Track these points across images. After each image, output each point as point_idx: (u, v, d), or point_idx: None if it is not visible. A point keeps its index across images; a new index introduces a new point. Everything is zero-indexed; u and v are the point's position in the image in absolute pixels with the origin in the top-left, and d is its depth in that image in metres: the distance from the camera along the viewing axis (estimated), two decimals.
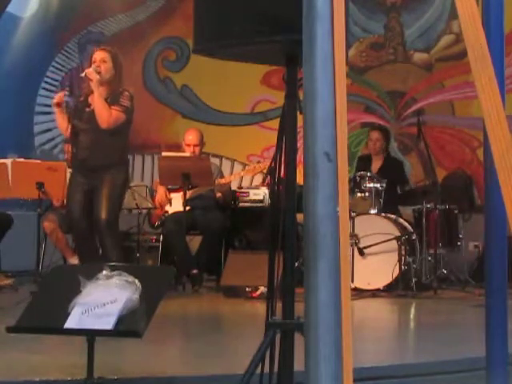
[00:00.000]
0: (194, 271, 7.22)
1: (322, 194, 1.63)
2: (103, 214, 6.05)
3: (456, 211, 7.50)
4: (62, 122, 6.24)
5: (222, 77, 8.94)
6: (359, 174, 7.37)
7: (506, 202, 1.66)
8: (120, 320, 2.74)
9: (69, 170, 7.24)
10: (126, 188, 6.56)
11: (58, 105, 6.22)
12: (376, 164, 8.01)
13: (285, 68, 2.62)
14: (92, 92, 6.20)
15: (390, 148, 8.30)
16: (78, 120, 6.21)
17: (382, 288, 6.96)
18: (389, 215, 7.26)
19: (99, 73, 6.12)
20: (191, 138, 7.61)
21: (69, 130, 6.18)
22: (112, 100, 6.15)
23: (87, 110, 6.24)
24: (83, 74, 6.21)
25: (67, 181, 7.01)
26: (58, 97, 6.27)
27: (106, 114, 6.09)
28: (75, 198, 6.23)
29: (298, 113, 2.57)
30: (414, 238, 7.18)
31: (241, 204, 7.77)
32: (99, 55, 6.23)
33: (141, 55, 9.81)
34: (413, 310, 6.35)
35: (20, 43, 9.65)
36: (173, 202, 7.56)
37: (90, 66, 6.20)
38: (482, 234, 2.11)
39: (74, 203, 6.24)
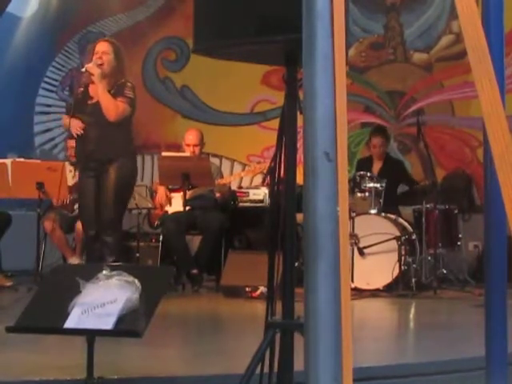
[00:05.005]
0: (194, 271, 7.22)
1: (322, 194, 1.63)
2: (107, 213, 6.05)
3: (456, 211, 7.50)
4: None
5: (222, 77, 8.93)
6: (359, 173, 7.37)
7: (505, 202, 1.66)
8: (120, 320, 2.74)
9: (69, 168, 7.24)
10: (135, 180, 6.49)
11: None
12: (377, 166, 7.99)
13: (285, 68, 2.62)
14: (91, 82, 6.16)
15: (389, 148, 8.29)
16: (81, 113, 6.16)
17: (381, 288, 6.95)
18: (389, 215, 7.25)
19: (100, 65, 6.08)
20: (191, 137, 7.60)
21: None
22: (116, 92, 6.10)
23: (89, 102, 6.19)
24: (84, 69, 6.18)
25: (67, 181, 7.01)
26: None
27: (113, 108, 6.05)
28: (87, 199, 6.20)
29: (298, 113, 2.57)
30: (413, 237, 7.17)
31: (241, 204, 7.77)
32: (101, 47, 6.19)
33: (141, 55, 9.81)
34: (413, 310, 6.35)
35: (20, 43, 9.64)
36: (173, 201, 7.56)
37: (91, 59, 6.16)
38: (481, 234, 2.11)
39: (86, 205, 6.21)
